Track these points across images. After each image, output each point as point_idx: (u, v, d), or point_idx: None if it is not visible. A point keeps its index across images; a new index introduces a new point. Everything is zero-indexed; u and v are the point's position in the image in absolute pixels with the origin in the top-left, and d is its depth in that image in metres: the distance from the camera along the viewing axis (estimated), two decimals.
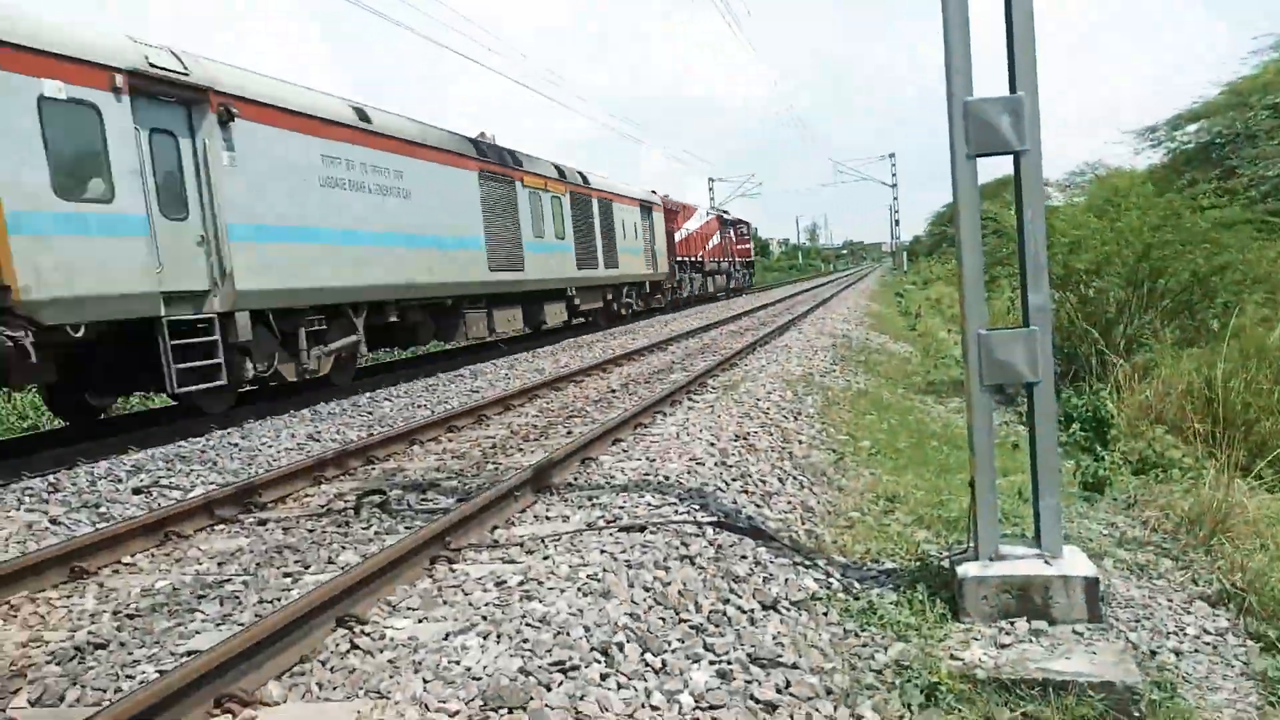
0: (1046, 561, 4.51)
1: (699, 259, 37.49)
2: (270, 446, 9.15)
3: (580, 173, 23.49)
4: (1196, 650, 4.94)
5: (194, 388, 10.14)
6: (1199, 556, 5.95)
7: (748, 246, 52.42)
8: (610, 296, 25.26)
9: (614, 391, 11.45)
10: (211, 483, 7.56)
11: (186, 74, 10.47)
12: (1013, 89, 4.26)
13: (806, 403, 10.22)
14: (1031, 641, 4.24)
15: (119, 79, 9.49)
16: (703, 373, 11.63)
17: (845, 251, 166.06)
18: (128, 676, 3.73)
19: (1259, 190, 14.98)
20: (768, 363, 13.12)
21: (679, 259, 33.89)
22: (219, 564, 5.26)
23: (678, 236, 33.69)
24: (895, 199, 79.42)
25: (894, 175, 76.92)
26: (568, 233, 21.68)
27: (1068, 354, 12.05)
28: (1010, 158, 4.36)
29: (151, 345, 9.80)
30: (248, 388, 12.09)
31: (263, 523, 6.18)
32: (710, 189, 69.70)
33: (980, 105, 4.24)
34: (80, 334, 8.92)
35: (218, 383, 10.46)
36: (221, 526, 6.17)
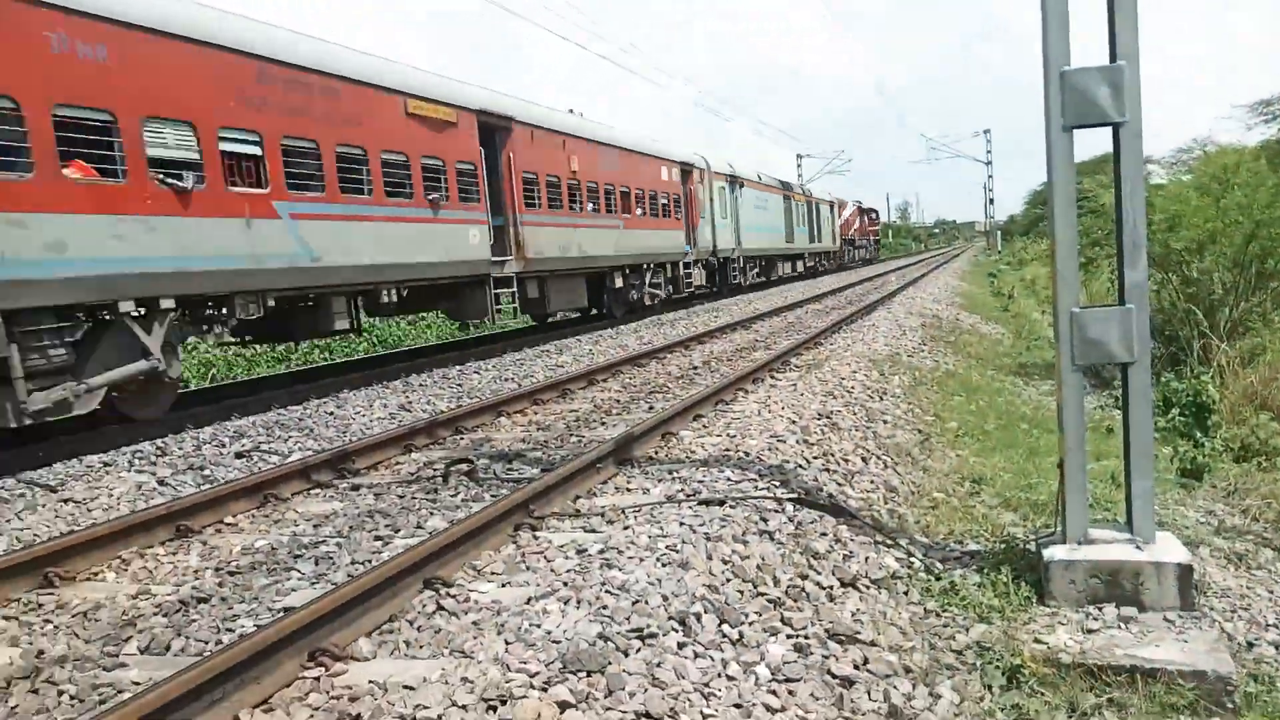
0: (1138, 547, 4.40)
1: (851, 237, 57.45)
2: (363, 415, 9.44)
3: (804, 188, 44.43)
4: None
5: None
6: None
7: (876, 228, 70.97)
8: (817, 260, 44.70)
9: (696, 369, 11.47)
10: (308, 449, 7.84)
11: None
12: (1113, 58, 4.12)
13: (893, 382, 10.08)
14: (1120, 628, 4.14)
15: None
16: (786, 351, 11.56)
17: (937, 230, 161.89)
18: (228, 629, 3.92)
19: None
20: (853, 341, 12.96)
21: (844, 238, 53.18)
22: (314, 526, 5.48)
23: (838, 222, 50.95)
24: (990, 176, 76.97)
25: (989, 152, 74.69)
26: (806, 222, 41.74)
27: (1168, 336, 11.62)
28: (1109, 130, 4.23)
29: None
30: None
31: (355, 488, 6.39)
32: (799, 165, 68.75)
33: (1078, 75, 4.11)
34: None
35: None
36: (317, 491, 6.40)
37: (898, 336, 13.99)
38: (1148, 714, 3.65)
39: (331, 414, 9.64)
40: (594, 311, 21.20)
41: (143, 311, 8.97)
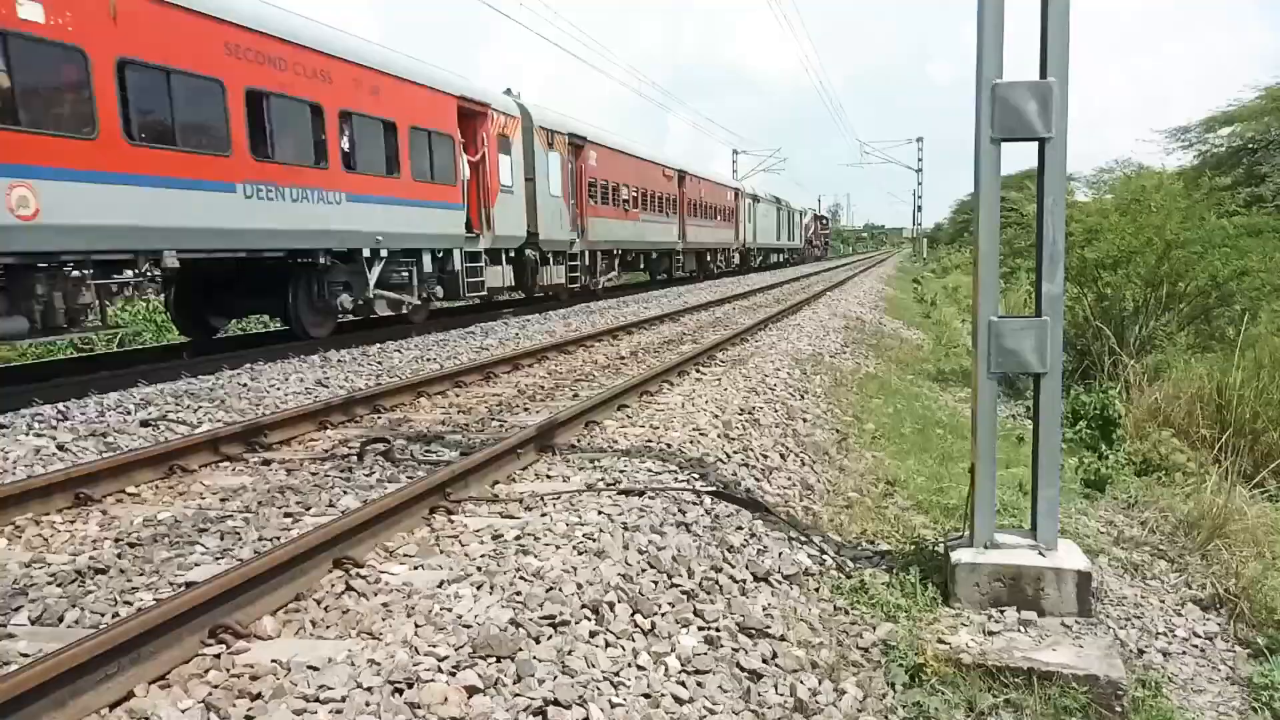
0: (1040, 553, 4.53)
1: (811, 239, 70.83)
2: (278, 389, 9.21)
3: (777, 197, 52.11)
4: (1184, 652, 4.97)
5: None
6: (1194, 560, 5.97)
7: (827, 232, 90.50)
8: (791, 254, 54.85)
9: (623, 359, 11.47)
10: (218, 420, 7.62)
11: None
12: (1043, 74, 4.22)
13: (814, 382, 10.22)
14: (1020, 631, 4.27)
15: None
16: (713, 345, 11.63)
17: (865, 234, 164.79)
18: (126, 602, 3.78)
19: None
20: (779, 339, 13.10)
21: (807, 239, 67.47)
22: (221, 500, 5.32)
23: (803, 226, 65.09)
24: (920, 184, 78.48)
25: (920, 160, 76.07)
26: (785, 226, 51.83)
27: (1080, 350, 12.01)
28: (1034, 145, 4.34)
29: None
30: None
31: (267, 463, 6.23)
32: (734, 161, 69.20)
33: (1009, 89, 4.20)
34: None
35: None
36: (226, 464, 6.22)
37: (821, 337, 14.19)
38: (1042, 715, 3.77)
39: (245, 386, 9.38)
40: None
41: None
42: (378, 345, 13.05)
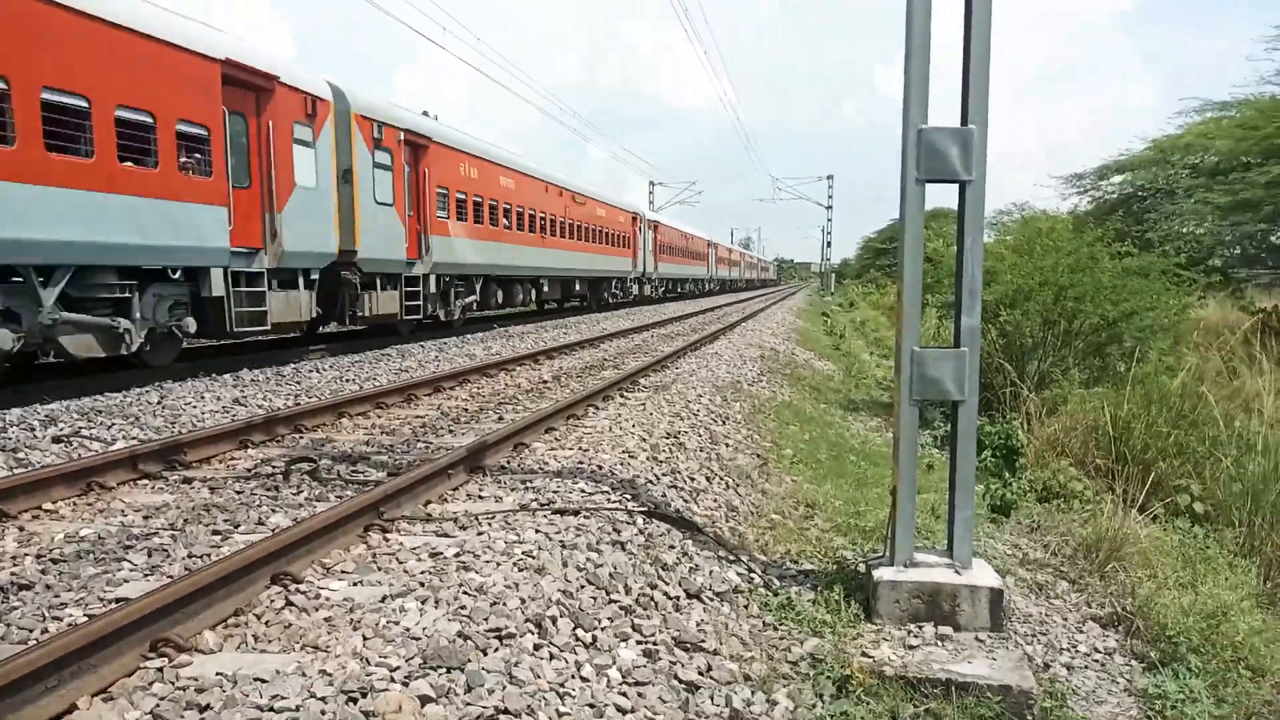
0: (957, 571, 4.78)
1: (742, 273, 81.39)
2: (194, 408, 9.01)
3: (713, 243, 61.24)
4: (1086, 666, 5.27)
5: None
6: (1094, 581, 6.32)
7: (754, 265, 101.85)
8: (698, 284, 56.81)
9: (546, 383, 11.54)
10: (134, 438, 7.43)
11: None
12: (964, 121, 4.51)
13: (734, 408, 10.45)
14: (938, 644, 4.49)
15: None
16: (635, 371, 11.79)
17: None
18: (55, 619, 3.70)
19: (1173, 245, 15.80)
20: (698, 367, 13.34)
21: (741, 273, 79.68)
22: (144, 517, 5.21)
23: (732, 259, 74.66)
24: (830, 220, 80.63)
25: (830, 197, 78.22)
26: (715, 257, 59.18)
27: (985, 384, 12.53)
28: (955, 186, 4.62)
29: None
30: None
31: (188, 481, 6.12)
32: (651, 193, 70.00)
33: (933, 134, 4.47)
34: None
35: None
36: (146, 481, 6.09)
37: (739, 365, 14.48)
38: None
39: (159, 403, 9.14)
40: None
41: None
42: (292, 366, 12.83)
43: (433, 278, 18.40)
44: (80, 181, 9.67)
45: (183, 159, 11.27)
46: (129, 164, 10.42)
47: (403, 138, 16.96)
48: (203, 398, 9.62)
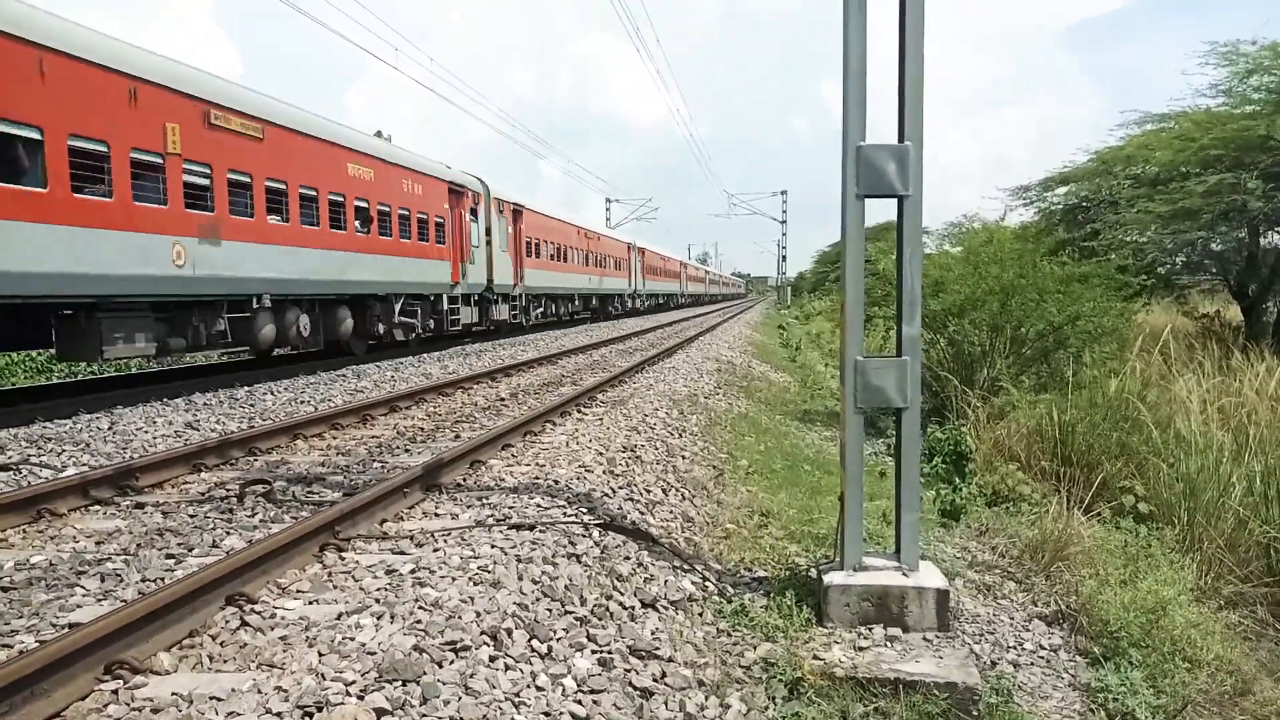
0: (904, 574, 4.90)
1: (707, 288, 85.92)
2: (145, 432, 8.92)
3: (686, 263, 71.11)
4: (1032, 663, 5.43)
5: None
6: (1039, 581, 6.50)
7: (740, 285, 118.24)
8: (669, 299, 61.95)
9: (504, 400, 11.57)
10: (84, 464, 7.35)
11: None
12: (901, 138, 4.66)
13: (691, 421, 10.56)
14: (887, 645, 4.61)
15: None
16: (593, 387, 11.86)
17: None
18: (4, 646, 3.69)
19: (1118, 254, 16.19)
20: (655, 381, 13.45)
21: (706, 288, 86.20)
22: (97, 543, 5.18)
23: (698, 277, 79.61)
24: (784, 235, 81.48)
25: (784, 212, 79.04)
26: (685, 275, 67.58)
27: (934, 391, 12.77)
28: (894, 201, 4.77)
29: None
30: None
31: (140, 506, 6.08)
32: (607, 209, 70.27)
33: (871, 151, 4.63)
34: None
35: None
36: (97, 507, 6.04)
37: (695, 379, 14.62)
38: None
39: (110, 429, 9.05)
40: None
41: None
42: (246, 389, 12.73)
43: (524, 296, 28.21)
44: (409, 253, 19.55)
45: (437, 236, 21.08)
46: (424, 241, 20.27)
47: (512, 207, 27.00)
48: (154, 422, 9.53)
